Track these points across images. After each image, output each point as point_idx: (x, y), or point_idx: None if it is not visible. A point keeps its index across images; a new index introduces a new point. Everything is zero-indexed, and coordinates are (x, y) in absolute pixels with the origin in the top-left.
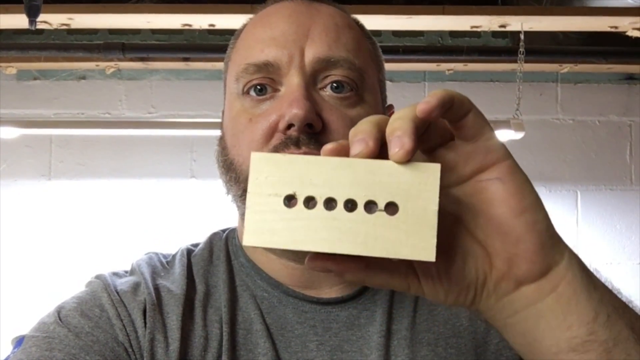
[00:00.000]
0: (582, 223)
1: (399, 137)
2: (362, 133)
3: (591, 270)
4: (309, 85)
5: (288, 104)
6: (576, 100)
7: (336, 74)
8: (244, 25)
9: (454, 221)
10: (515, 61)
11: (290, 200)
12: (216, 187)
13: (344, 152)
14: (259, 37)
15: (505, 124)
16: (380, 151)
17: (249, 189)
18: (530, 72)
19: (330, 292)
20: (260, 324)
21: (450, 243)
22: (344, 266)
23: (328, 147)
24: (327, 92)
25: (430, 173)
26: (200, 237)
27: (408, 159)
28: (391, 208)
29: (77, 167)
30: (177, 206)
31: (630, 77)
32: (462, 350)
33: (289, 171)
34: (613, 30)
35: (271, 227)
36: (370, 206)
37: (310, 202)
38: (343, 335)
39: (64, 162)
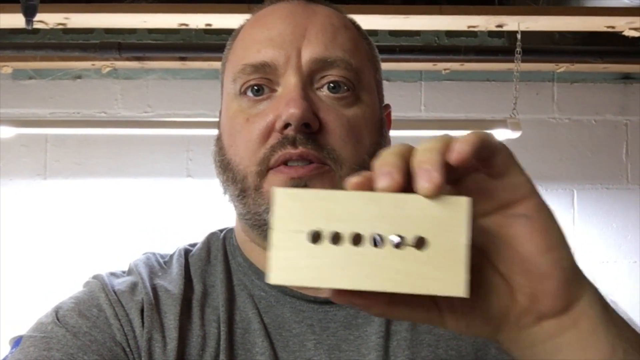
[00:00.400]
0: (578, 222)
1: (428, 170)
2: (387, 165)
3: (609, 302)
4: (306, 85)
5: (285, 103)
6: (572, 100)
7: (333, 74)
8: (241, 26)
9: (477, 254)
10: (511, 61)
11: (315, 237)
12: (213, 186)
13: (368, 184)
14: (256, 38)
15: (502, 123)
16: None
17: (273, 226)
18: (526, 72)
19: (328, 291)
20: (258, 323)
21: (474, 276)
22: (369, 301)
23: (353, 180)
24: (324, 92)
25: (460, 206)
26: (196, 236)
27: (437, 194)
28: (420, 243)
29: (73, 167)
30: (174, 205)
31: (626, 77)
32: (462, 353)
33: (313, 206)
34: (610, 30)
35: (296, 264)
36: (398, 241)
37: (336, 238)
38: (341, 334)
39: (59, 161)
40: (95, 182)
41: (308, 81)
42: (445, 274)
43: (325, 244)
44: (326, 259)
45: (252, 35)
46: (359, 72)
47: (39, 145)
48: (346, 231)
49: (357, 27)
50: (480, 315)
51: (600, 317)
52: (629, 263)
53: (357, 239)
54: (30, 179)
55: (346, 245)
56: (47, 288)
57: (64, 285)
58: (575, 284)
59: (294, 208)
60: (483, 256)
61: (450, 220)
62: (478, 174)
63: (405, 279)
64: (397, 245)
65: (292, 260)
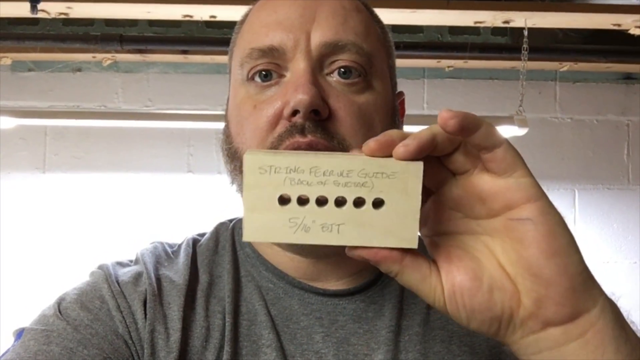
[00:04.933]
0: (579, 222)
1: (409, 140)
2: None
3: (627, 320)
4: (315, 70)
5: (293, 89)
6: (575, 99)
7: (343, 59)
8: (250, 10)
9: (485, 251)
10: (516, 59)
11: (283, 199)
12: (213, 181)
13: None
14: (264, 21)
15: (509, 120)
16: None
17: (245, 188)
18: (529, 71)
19: (337, 284)
20: (265, 314)
21: (478, 270)
22: (379, 256)
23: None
24: (334, 78)
25: (414, 168)
26: (196, 231)
27: (404, 158)
28: (378, 203)
29: (72, 160)
30: (174, 200)
31: (628, 77)
32: (476, 350)
33: (282, 169)
34: (616, 28)
35: (267, 224)
36: (358, 202)
37: (302, 199)
38: (350, 328)
39: (58, 154)
40: (95, 176)
41: (317, 66)
42: (399, 230)
43: (293, 204)
44: (293, 219)
45: (260, 18)
46: (371, 57)
47: (37, 139)
48: (312, 194)
49: (369, 11)
50: (482, 311)
51: (612, 332)
52: (629, 263)
53: (322, 200)
54: (28, 172)
55: (312, 206)
56: (46, 282)
57: (63, 280)
58: (584, 293)
59: (262, 173)
60: (491, 254)
61: (404, 183)
62: (484, 173)
63: (363, 234)
64: (357, 205)
65: (264, 220)
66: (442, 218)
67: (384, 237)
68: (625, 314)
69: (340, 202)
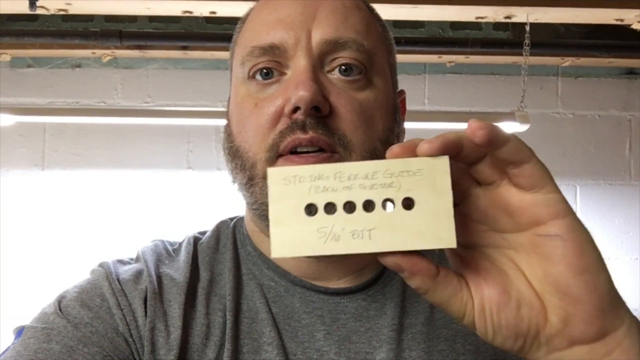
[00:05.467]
0: (580, 217)
1: (433, 138)
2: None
3: None
4: (316, 67)
5: (294, 86)
6: (576, 95)
7: (344, 56)
8: (251, 9)
9: (511, 265)
10: (518, 54)
11: (310, 209)
12: (213, 178)
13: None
14: (265, 20)
15: (510, 115)
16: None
17: (270, 203)
18: (531, 66)
19: (339, 282)
20: (266, 312)
21: (507, 284)
22: (417, 268)
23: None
24: (335, 75)
25: (441, 164)
26: (196, 229)
27: (428, 154)
28: (408, 204)
29: (71, 157)
30: (174, 197)
31: (630, 72)
32: (480, 349)
33: (305, 181)
34: (618, 23)
35: (295, 237)
36: (386, 204)
37: (329, 208)
38: (351, 326)
39: (57, 151)
40: (94, 173)
41: (318, 63)
42: (434, 230)
43: (321, 214)
44: (322, 228)
45: (261, 17)
46: (371, 55)
47: (36, 135)
48: (339, 201)
49: (370, 9)
50: (508, 326)
51: (638, 350)
52: (630, 259)
53: (349, 207)
54: (27, 169)
55: (340, 213)
56: (46, 280)
57: (63, 277)
58: (611, 312)
59: (287, 184)
60: (518, 269)
61: (432, 179)
62: (511, 186)
63: (396, 238)
64: (387, 209)
65: (291, 233)
66: (467, 230)
67: (419, 239)
68: None
69: (368, 207)
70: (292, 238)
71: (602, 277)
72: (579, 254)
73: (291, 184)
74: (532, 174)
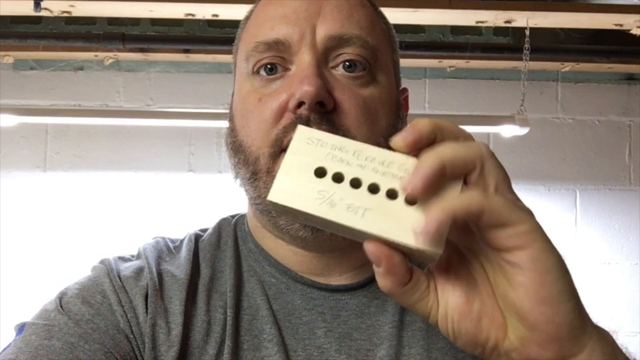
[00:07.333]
0: (580, 222)
1: (421, 171)
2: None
3: (627, 355)
4: (321, 63)
5: (298, 81)
6: (576, 100)
7: (348, 52)
8: (255, 5)
9: (481, 272)
10: (518, 59)
11: (320, 172)
12: (214, 180)
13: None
14: (270, 15)
15: (510, 119)
16: None
17: (288, 151)
18: (530, 71)
19: (340, 279)
20: (267, 309)
21: (471, 293)
22: (394, 270)
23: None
24: (339, 71)
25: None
26: (199, 227)
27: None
28: (412, 200)
29: (73, 159)
30: (175, 199)
31: (630, 77)
32: None
33: (326, 147)
34: (618, 28)
35: (295, 190)
36: (392, 193)
37: (338, 177)
38: (352, 323)
39: (59, 153)
40: (96, 175)
41: (323, 59)
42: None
43: (328, 179)
44: (323, 192)
45: (265, 12)
46: (375, 51)
47: (38, 137)
48: (348, 174)
49: (374, 6)
50: (468, 332)
51: None
52: (630, 265)
53: (355, 183)
54: (29, 171)
55: (345, 185)
56: (47, 281)
57: (63, 278)
58: (570, 340)
59: (309, 144)
60: (486, 278)
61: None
62: None
63: (387, 226)
64: (390, 198)
65: (294, 184)
66: (451, 227)
67: (408, 235)
68: (623, 349)
69: (373, 190)
70: (292, 189)
71: (563, 308)
72: (539, 285)
73: (313, 145)
74: (499, 221)
